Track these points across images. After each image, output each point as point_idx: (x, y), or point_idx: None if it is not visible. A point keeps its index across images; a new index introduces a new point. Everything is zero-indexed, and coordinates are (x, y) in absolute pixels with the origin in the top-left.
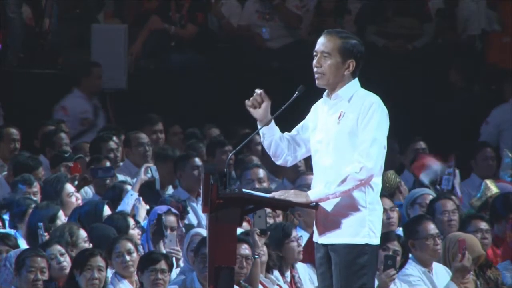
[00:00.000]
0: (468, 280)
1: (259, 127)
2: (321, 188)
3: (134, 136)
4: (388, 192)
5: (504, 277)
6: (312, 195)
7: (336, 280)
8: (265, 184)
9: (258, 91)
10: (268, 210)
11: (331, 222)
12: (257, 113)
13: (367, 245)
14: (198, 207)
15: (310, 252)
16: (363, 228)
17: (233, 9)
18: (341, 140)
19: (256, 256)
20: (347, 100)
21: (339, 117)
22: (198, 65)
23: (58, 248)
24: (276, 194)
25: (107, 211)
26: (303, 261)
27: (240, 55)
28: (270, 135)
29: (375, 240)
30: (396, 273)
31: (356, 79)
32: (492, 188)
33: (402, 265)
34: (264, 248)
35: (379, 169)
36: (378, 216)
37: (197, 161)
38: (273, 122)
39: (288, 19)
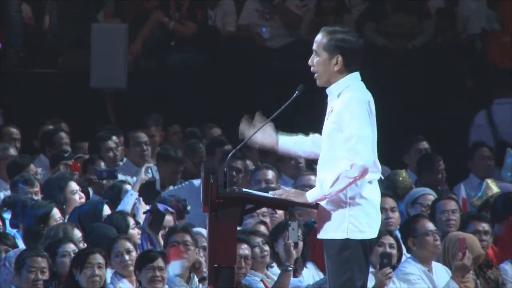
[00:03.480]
0: (468, 280)
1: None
2: (317, 189)
3: (133, 135)
4: (402, 192)
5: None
6: (309, 195)
7: (327, 274)
8: (273, 186)
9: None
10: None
11: (320, 218)
12: (263, 140)
13: (348, 239)
14: None
15: (312, 250)
16: (343, 223)
17: (227, 17)
18: (329, 136)
19: (290, 268)
20: (336, 95)
21: (328, 113)
22: (198, 65)
23: (72, 247)
24: (277, 194)
25: (106, 210)
26: None
27: (240, 54)
28: (291, 150)
29: (359, 235)
30: (392, 272)
31: (351, 75)
32: (493, 187)
33: (399, 259)
34: (266, 247)
35: (372, 163)
36: (363, 211)
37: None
38: (283, 139)
39: (288, 18)
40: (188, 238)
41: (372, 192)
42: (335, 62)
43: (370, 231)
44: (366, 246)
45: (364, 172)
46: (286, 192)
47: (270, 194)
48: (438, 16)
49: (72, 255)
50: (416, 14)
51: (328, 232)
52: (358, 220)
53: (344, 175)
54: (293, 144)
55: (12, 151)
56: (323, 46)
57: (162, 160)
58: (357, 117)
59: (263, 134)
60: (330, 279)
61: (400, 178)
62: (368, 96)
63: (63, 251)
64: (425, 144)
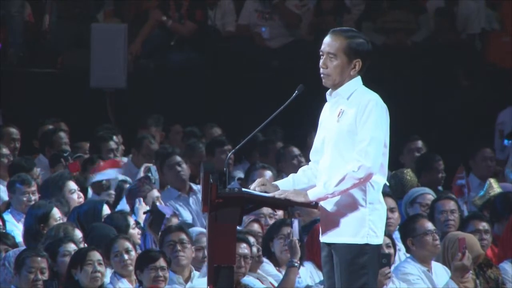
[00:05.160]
0: (467, 280)
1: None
2: (320, 188)
3: (148, 146)
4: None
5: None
6: (311, 194)
7: (337, 279)
8: None
9: None
10: (270, 210)
11: (331, 221)
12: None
13: (367, 245)
14: (191, 201)
15: (310, 250)
16: (363, 227)
17: (226, 17)
18: (340, 139)
19: (296, 264)
20: (346, 97)
21: (338, 115)
22: (197, 64)
23: (73, 246)
24: (276, 193)
25: (106, 210)
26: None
27: (240, 54)
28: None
29: (376, 240)
30: (391, 271)
31: (358, 77)
32: (495, 187)
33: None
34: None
35: (379, 167)
36: (380, 216)
37: (177, 158)
38: (282, 186)
39: (288, 18)
40: (184, 236)
41: (382, 196)
42: (353, 66)
43: (382, 236)
44: (380, 251)
45: (370, 175)
46: (285, 192)
47: (269, 194)
48: (437, 15)
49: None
50: (412, 10)
51: (344, 236)
52: (376, 225)
53: (350, 176)
54: (291, 186)
55: (5, 151)
56: (343, 50)
57: (160, 159)
58: (373, 120)
59: (266, 190)
60: (342, 283)
61: (408, 177)
62: (383, 103)
63: (64, 251)
64: (419, 144)
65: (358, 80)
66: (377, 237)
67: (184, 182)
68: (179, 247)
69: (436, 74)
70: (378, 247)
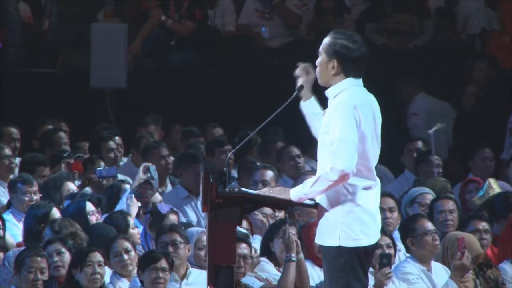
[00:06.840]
0: (467, 279)
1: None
2: (300, 187)
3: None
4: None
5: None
6: (293, 193)
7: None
8: (272, 185)
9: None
10: (270, 211)
11: (318, 221)
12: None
13: (341, 247)
14: (199, 205)
15: (308, 249)
16: (336, 230)
17: (226, 17)
18: (321, 138)
19: (294, 259)
20: (332, 98)
21: (323, 115)
22: (197, 64)
23: (57, 247)
24: (262, 191)
25: (90, 207)
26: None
27: (240, 54)
28: (308, 116)
29: (352, 243)
30: (391, 272)
31: (349, 79)
32: (495, 187)
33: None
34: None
35: (354, 169)
36: (357, 218)
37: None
38: (314, 101)
39: (288, 18)
40: (176, 237)
41: (367, 199)
42: (332, 66)
43: (364, 238)
44: (360, 253)
45: (344, 176)
46: (271, 189)
47: (256, 192)
48: (438, 15)
49: (55, 257)
50: (416, 14)
51: (323, 238)
52: (351, 228)
53: (324, 177)
54: (312, 112)
55: (7, 151)
56: (325, 48)
57: (145, 153)
58: (341, 122)
59: (307, 80)
60: (326, 284)
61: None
62: (357, 101)
63: (48, 252)
64: (419, 144)
65: (349, 81)
66: (354, 240)
67: (198, 189)
68: (171, 248)
69: (436, 73)
70: (357, 249)
